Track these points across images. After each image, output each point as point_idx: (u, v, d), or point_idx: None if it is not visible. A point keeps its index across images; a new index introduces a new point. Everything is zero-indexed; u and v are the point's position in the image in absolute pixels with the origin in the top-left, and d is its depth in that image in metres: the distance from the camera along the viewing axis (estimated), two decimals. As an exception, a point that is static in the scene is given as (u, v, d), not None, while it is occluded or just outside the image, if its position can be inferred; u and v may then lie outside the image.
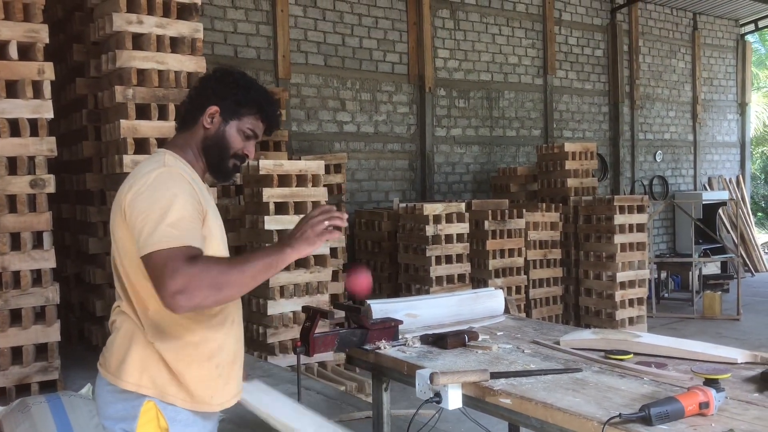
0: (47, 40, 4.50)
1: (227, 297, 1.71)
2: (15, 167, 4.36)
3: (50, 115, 4.48)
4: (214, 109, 1.91)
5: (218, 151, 1.93)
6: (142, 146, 4.76)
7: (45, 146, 4.45)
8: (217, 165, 1.95)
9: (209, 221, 1.86)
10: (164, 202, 1.71)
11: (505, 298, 3.19)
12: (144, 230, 1.69)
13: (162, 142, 4.87)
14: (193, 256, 1.67)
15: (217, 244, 1.88)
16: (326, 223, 1.76)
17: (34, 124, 4.42)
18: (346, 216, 1.83)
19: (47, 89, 4.47)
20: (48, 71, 4.46)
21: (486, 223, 7.56)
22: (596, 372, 2.16)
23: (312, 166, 5.71)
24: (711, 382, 1.81)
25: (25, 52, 4.46)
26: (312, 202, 5.60)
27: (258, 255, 1.73)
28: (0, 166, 4.29)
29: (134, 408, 1.79)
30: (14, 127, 4.36)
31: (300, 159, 6.40)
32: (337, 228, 1.78)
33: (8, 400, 4.17)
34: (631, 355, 2.28)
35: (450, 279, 7.14)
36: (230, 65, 2.04)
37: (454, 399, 2.04)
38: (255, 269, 1.70)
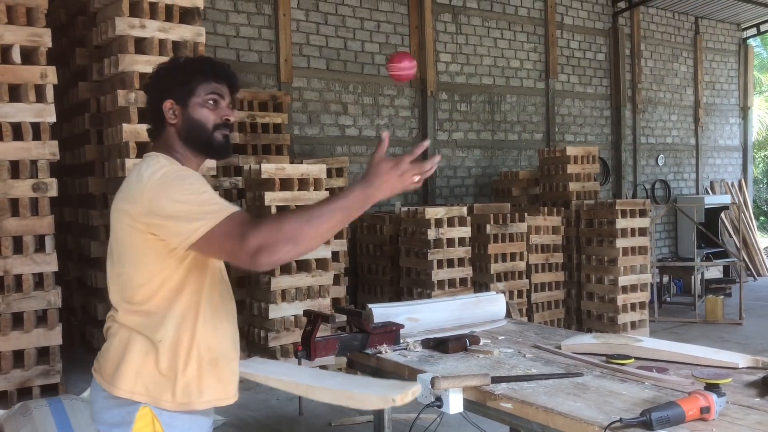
0: (50, 44, 4.52)
1: (306, 249, 1.67)
2: (17, 171, 4.37)
3: (53, 118, 4.49)
4: (168, 103, 1.90)
5: (198, 133, 1.90)
6: (144, 150, 4.77)
7: (47, 150, 4.46)
8: (207, 145, 1.93)
9: None
10: (191, 189, 1.73)
11: (507, 302, 3.19)
12: (183, 217, 1.68)
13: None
14: (250, 219, 1.67)
15: None
16: (417, 177, 1.75)
17: (36, 127, 4.44)
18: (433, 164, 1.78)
19: (50, 93, 4.49)
20: (51, 75, 4.48)
21: (488, 226, 7.56)
22: (597, 376, 2.16)
23: (314, 169, 5.72)
24: (712, 387, 1.81)
25: (28, 56, 4.48)
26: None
27: (336, 205, 1.68)
28: (2, 169, 4.30)
29: (129, 414, 1.79)
30: (17, 131, 4.38)
31: (302, 163, 6.41)
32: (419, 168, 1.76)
33: (10, 403, 4.18)
34: (633, 360, 2.28)
35: (452, 283, 7.13)
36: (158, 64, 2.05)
37: (455, 403, 2.04)
38: (332, 219, 1.67)
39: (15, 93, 4.43)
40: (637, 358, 2.31)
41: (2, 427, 3.56)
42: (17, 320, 4.41)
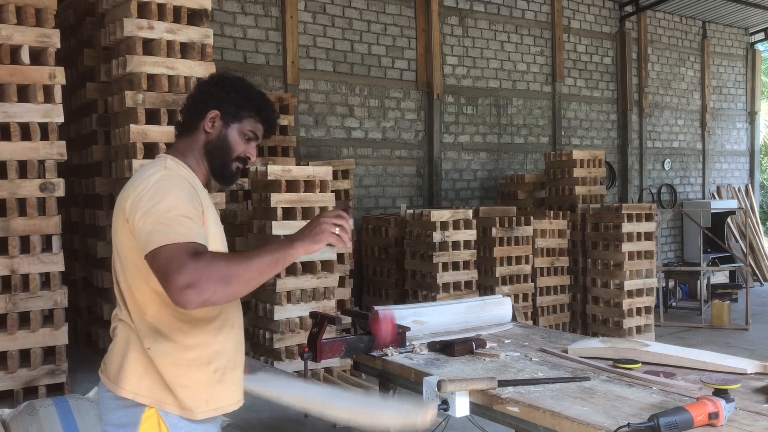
0: (59, 45, 4.53)
1: (236, 291, 1.68)
2: (25, 171, 4.38)
3: (61, 119, 4.50)
4: (214, 113, 1.94)
5: (221, 154, 1.95)
6: (151, 151, 4.78)
7: (55, 150, 4.47)
8: (221, 168, 1.97)
9: (209, 226, 1.86)
10: (166, 203, 1.72)
11: (513, 306, 3.18)
12: (146, 229, 1.70)
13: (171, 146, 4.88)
14: (199, 251, 1.66)
15: (218, 246, 1.89)
16: (336, 230, 1.77)
17: (44, 128, 4.45)
18: (351, 227, 1.83)
19: (58, 94, 4.49)
20: (59, 76, 4.49)
21: (493, 230, 7.55)
22: (604, 381, 2.16)
23: (320, 171, 5.72)
24: (720, 393, 1.80)
25: (37, 56, 4.49)
26: (320, 207, 5.61)
27: (265, 249, 1.74)
28: (10, 169, 4.31)
29: (135, 415, 1.79)
30: (25, 131, 4.39)
31: (308, 165, 6.42)
32: (344, 234, 1.79)
33: (16, 402, 4.19)
34: (640, 365, 2.27)
35: (457, 286, 7.12)
36: (227, 71, 2.07)
37: (461, 407, 2.04)
38: (262, 263, 1.70)
39: (23, 93, 4.44)
40: (644, 363, 2.30)
41: (8, 426, 3.57)
42: (24, 320, 4.42)
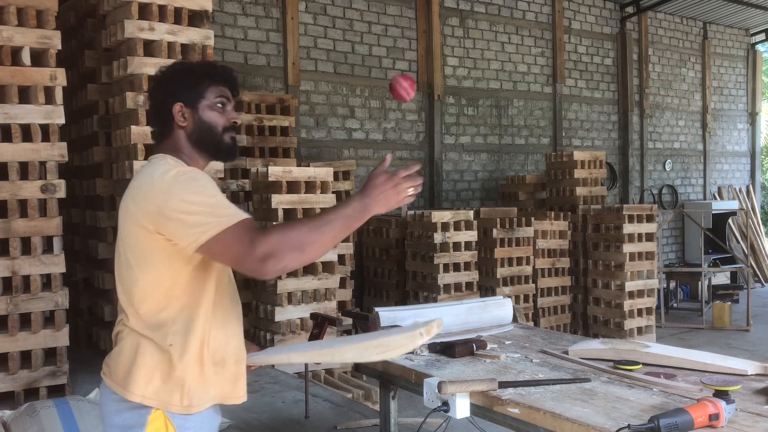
0: (60, 47, 4.53)
1: (311, 257, 1.71)
2: (26, 172, 4.39)
3: (62, 120, 4.50)
4: (178, 106, 1.91)
5: (208, 137, 1.93)
6: (152, 152, 4.78)
7: (56, 151, 4.48)
8: (216, 147, 1.95)
9: None
10: (201, 194, 1.73)
11: (513, 307, 3.18)
12: (191, 222, 1.70)
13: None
14: (258, 227, 1.70)
15: None
16: (410, 190, 1.76)
17: (45, 129, 4.45)
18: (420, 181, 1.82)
19: (59, 95, 4.50)
20: (60, 77, 4.49)
21: (494, 231, 7.55)
22: (605, 382, 2.15)
23: (321, 172, 5.72)
24: (721, 394, 1.80)
25: (38, 58, 4.49)
26: (320, 208, 5.61)
27: (336, 212, 1.73)
28: (12, 170, 4.31)
29: (141, 416, 1.79)
30: (26, 133, 4.39)
31: (309, 166, 6.42)
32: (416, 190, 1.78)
33: (17, 404, 4.19)
34: (640, 366, 2.27)
35: (458, 287, 7.12)
36: (161, 66, 2.06)
37: (461, 408, 2.04)
38: (335, 228, 1.71)
39: (25, 94, 4.44)
40: (645, 364, 2.30)
41: (9, 427, 3.57)
42: (25, 321, 4.42)
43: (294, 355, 2.16)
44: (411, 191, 1.77)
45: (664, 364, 2.31)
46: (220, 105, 1.94)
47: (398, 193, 1.76)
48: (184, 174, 1.79)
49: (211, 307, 1.85)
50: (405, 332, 1.81)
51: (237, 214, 1.71)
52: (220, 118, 1.94)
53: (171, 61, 4.90)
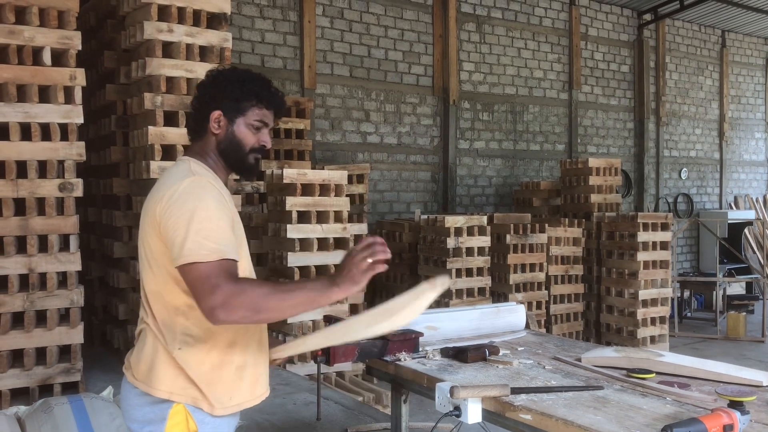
0: (80, 47, 4.58)
1: (264, 320, 1.77)
2: (45, 171, 4.43)
3: (80, 120, 4.55)
4: (217, 113, 1.92)
5: (235, 151, 1.95)
6: (169, 153, 4.82)
7: (74, 151, 4.52)
8: (239, 164, 1.97)
9: (237, 230, 1.89)
10: (198, 212, 1.75)
11: (526, 314, 3.17)
12: (178, 240, 1.73)
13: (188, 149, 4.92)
14: (234, 273, 1.73)
15: (242, 247, 1.91)
16: (369, 260, 1.75)
17: (64, 128, 4.50)
18: (388, 252, 1.79)
19: (78, 95, 4.55)
20: (79, 77, 4.54)
21: (508, 236, 7.53)
22: (618, 390, 2.15)
23: (335, 175, 5.74)
24: (736, 405, 1.79)
25: (58, 58, 4.54)
26: (334, 211, 5.62)
27: (303, 287, 1.75)
28: (30, 169, 4.36)
29: (162, 411, 1.83)
30: (45, 132, 4.44)
31: (323, 168, 6.44)
32: (383, 261, 1.76)
33: (31, 400, 4.23)
34: (654, 375, 2.26)
35: (470, 292, 7.11)
36: (225, 66, 2.06)
37: (473, 413, 2.04)
38: (296, 301, 1.73)
39: (44, 94, 4.50)
40: (658, 373, 2.29)
41: (24, 423, 3.60)
42: (41, 318, 4.47)
43: (309, 339, 2.16)
44: (369, 263, 1.74)
45: (678, 373, 2.29)
46: (255, 127, 1.95)
47: (362, 270, 1.74)
48: (194, 185, 1.80)
49: None
50: (409, 293, 1.80)
51: (220, 251, 1.72)
52: (252, 138, 1.95)
53: (189, 62, 4.94)
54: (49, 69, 4.44)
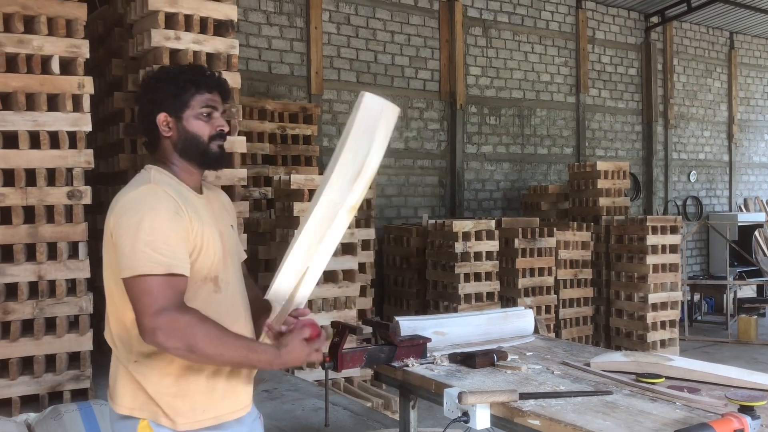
0: (88, 55, 4.60)
1: (194, 360, 1.72)
2: (53, 178, 4.45)
3: (89, 128, 4.57)
4: (162, 116, 1.87)
5: (194, 146, 1.88)
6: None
7: (83, 158, 4.54)
8: (204, 157, 1.90)
9: (203, 233, 1.81)
10: (146, 222, 1.69)
11: (535, 318, 3.16)
12: (126, 250, 1.68)
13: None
14: (182, 293, 1.70)
15: (211, 255, 1.83)
16: (316, 350, 1.84)
17: (72, 136, 4.51)
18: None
19: (86, 103, 4.57)
20: (88, 85, 4.56)
21: (516, 241, 7.52)
22: (627, 395, 2.13)
23: (342, 181, 5.73)
24: (746, 409, 1.77)
25: (67, 66, 4.57)
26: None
27: (247, 346, 1.75)
28: (39, 177, 4.38)
29: (128, 427, 1.80)
30: (54, 139, 4.46)
31: (331, 174, 6.43)
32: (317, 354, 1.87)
33: (41, 407, 4.24)
34: (663, 379, 2.24)
35: (479, 297, 7.09)
36: (150, 71, 2.06)
37: (482, 419, 2.03)
38: (234, 355, 1.72)
39: (53, 102, 4.52)
40: (667, 378, 2.27)
41: (34, 430, 3.62)
42: (50, 325, 4.48)
43: (293, 257, 1.91)
44: (311, 357, 1.83)
45: (688, 378, 2.28)
46: (206, 114, 1.88)
47: (305, 356, 1.81)
48: (149, 194, 1.75)
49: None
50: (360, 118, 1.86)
51: (168, 265, 1.68)
52: (206, 128, 1.88)
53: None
54: (57, 77, 4.47)
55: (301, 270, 1.91)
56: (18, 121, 4.33)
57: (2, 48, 4.28)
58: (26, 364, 4.42)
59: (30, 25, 4.42)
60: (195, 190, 1.92)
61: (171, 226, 1.72)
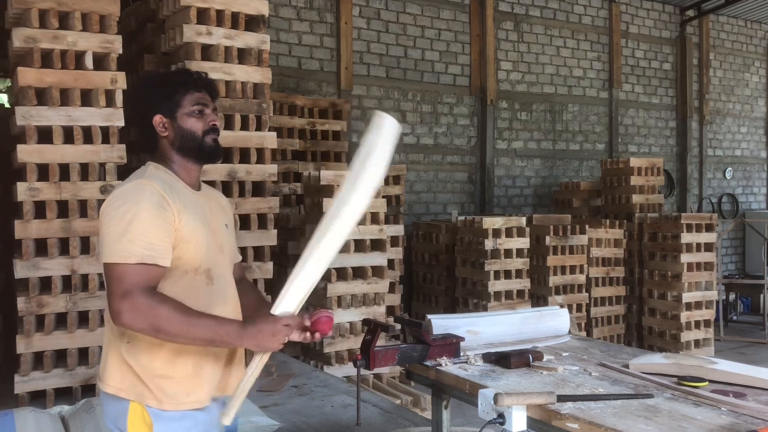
0: (120, 51, 4.63)
1: (164, 339, 1.81)
2: (86, 173, 4.49)
3: (121, 123, 4.60)
4: (158, 118, 2.00)
5: (190, 141, 2.01)
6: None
7: (115, 153, 4.58)
8: (200, 151, 2.03)
9: (191, 225, 1.91)
10: (129, 214, 1.81)
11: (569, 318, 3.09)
12: (106, 239, 1.82)
13: (228, 151, 4.95)
14: (152, 281, 1.80)
15: (201, 246, 1.94)
16: (285, 339, 1.84)
17: (105, 131, 4.55)
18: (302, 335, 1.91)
19: (119, 98, 4.60)
20: (120, 81, 4.59)
21: (547, 238, 7.42)
22: (669, 399, 2.06)
23: (372, 177, 5.70)
24: (797, 417, 1.70)
25: (100, 62, 4.60)
26: (371, 212, 5.60)
27: (211, 324, 1.80)
28: (73, 171, 4.42)
29: (123, 407, 1.88)
30: (87, 135, 4.50)
31: (360, 170, 6.41)
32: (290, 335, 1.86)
33: (74, 399, 4.29)
34: (707, 383, 2.17)
35: (509, 295, 7.02)
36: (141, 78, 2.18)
37: (518, 421, 1.98)
38: (198, 333, 1.78)
39: (86, 97, 4.55)
40: (711, 381, 2.20)
41: (68, 422, 3.65)
42: (83, 319, 4.53)
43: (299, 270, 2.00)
44: (282, 341, 1.84)
45: (732, 381, 2.20)
46: (197, 111, 2.02)
47: (271, 340, 1.82)
48: (138, 188, 1.87)
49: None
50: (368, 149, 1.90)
51: (143, 255, 1.79)
52: (199, 123, 2.02)
53: (228, 65, 4.97)
54: (91, 73, 4.50)
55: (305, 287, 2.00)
56: (52, 116, 4.37)
57: (37, 44, 4.32)
58: (60, 357, 4.48)
59: (64, 20, 4.46)
60: (192, 186, 2.05)
61: (152, 220, 1.82)
